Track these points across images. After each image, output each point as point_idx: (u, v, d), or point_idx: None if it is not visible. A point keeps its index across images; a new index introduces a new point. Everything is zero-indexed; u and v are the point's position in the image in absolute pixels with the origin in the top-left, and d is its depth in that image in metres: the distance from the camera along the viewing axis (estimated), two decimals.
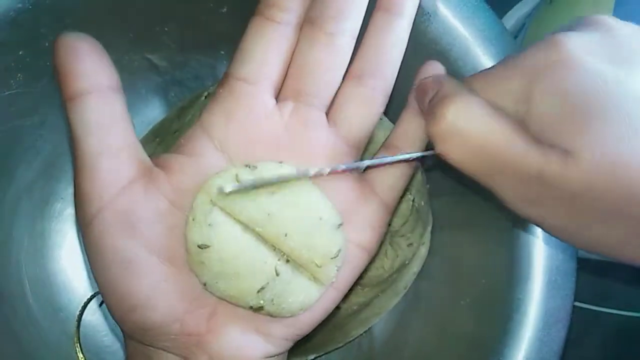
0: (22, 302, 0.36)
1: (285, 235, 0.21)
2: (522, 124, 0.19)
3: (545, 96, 0.18)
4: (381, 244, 0.33)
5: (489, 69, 0.21)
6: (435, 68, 0.24)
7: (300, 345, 0.36)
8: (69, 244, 0.38)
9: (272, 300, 0.21)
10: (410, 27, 0.23)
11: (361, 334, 0.39)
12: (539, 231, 0.32)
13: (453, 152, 0.20)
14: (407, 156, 0.23)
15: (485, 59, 0.33)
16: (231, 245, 0.21)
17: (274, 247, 0.21)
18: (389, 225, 0.34)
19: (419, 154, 0.23)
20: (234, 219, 0.21)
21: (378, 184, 0.23)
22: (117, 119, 0.20)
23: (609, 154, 0.17)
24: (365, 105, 0.23)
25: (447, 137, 0.19)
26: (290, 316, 0.22)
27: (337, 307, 0.34)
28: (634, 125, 0.17)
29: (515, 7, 0.49)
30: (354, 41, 0.22)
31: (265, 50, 0.21)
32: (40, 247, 0.37)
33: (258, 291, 0.21)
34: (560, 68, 0.18)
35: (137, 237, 0.20)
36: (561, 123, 0.18)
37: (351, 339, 0.39)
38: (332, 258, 0.22)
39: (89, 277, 0.39)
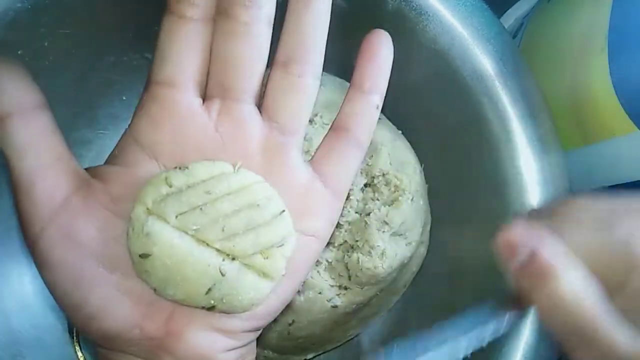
0: (21, 301, 0.36)
1: (223, 229, 0.20)
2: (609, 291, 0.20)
3: None
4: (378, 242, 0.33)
5: (585, 220, 0.21)
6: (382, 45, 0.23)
7: (300, 344, 0.37)
8: None
9: (222, 299, 0.21)
10: (330, 7, 0.22)
11: (360, 333, 0.40)
12: None
13: (551, 319, 0.20)
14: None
15: (483, 59, 0.33)
16: (172, 252, 0.20)
17: (216, 248, 0.21)
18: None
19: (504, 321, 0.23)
20: (171, 224, 0.20)
21: (328, 175, 0.23)
22: (44, 136, 0.20)
23: None
24: (295, 92, 0.22)
25: (551, 310, 0.20)
26: (244, 312, 0.22)
27: (335, 306, 0.34)
28: None
29: (513, 7, 0.49)
30: (271, 27, 0.21)
31: (181, 49, 0.21)
32: None
33: (206, 293, 0.21)
34: None
35: (83, 250, 0.20)
36: None
37: (350, 337, 0.39)
38: (278, 247, 0.21)
39: None
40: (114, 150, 0.22)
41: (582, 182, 0.38)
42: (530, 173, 0.33)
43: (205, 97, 0.22)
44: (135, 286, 0.21)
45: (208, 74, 0.21)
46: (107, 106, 0.38)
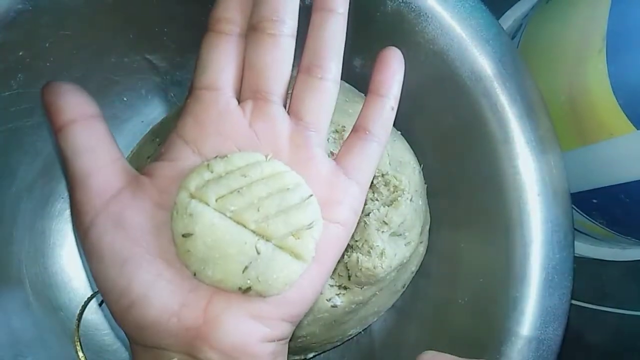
0: (22, 301, 0.36)
1: (258, 209, 0.23)
2: None
3: None
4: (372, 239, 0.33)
5: None
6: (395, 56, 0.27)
7: (300, 344, 0.37)
8: (69, 244, 0.38)
9: (258, 277, 0.22)
10: (346, 20, 0.26)
11: (360, 332, 0.40)
12: (536, 230, 0.33)
13: None
14: None
15: (482, 60, 0.33)
16: (212, 231, 0.22)
17: (252, 229, 0.23)
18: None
19: None
20: (211, 206, 0.22)
21: (350, 167, 0.25)
22: (101, 140, 0.23)
23: None
24: (318, 92, 0.25)
25: None
26: (278, 293, 0.23)
27: (335, 306, 0.35)
28: None
29: (512, 8, 0.49)
30: (294, 39, 0.25)
31: (220, 59, 0.24)
32: (40, 246, 0.37)
33: (243, 271, 0.22)
34: None
35: (131, 237, 0.22)
36: None
37: (350, 337, 0.39)
38: (307, 229, 0.23)
39: (89, 277, 0.39)
40: (160, 148, 0.25)
41: (581, 182, 0.38)
42: (528, 173, 0.33)
43: (240, 99, 0.25)
44: (176, 275, 0.23)
45: (242, 79, 0.25)
46: (108, 107, 0.38)
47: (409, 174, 0.35)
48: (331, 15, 0.25)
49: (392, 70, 0.26)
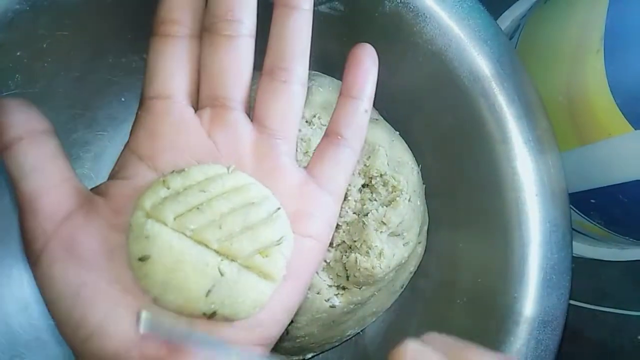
0: (21, 301, 0.36)
1: (220, 227, 0.21)
2: None
3: None
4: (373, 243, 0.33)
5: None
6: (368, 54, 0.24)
7: (298, 344, 0.37)
8: None
9: (223, 301, 0.21)
10: (311, 17, 0.23)
11: (358, 333, 0.40)
12: (534, 231, 0.33)
13: None
14: None
15: (480, 60, 0.33)
16: (170, 253, 0.21)
17: (214, 249, 0.21)
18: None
19: None
20: (169, 226, 0.21)
21: (322, 176, 0.23)
22: (51, 159, 0.21)
23: None
24: (282, 97, 0.23)
25: None
26: (247, 317, 0.21)
27: (333, 306, 0.35)
28: None
29: (510, 8, 0.50)
30: (253, 39, 0.23)
31: (168, 65, 0.22)
32: None
33: (207, 295, 0.20)
34: None
35: (84, 264, 0.20)
36: None
37: (348, 337, 0.39)
38: (276, 245, 0.21)
39: None
40: (114, 167, 0.23)
41: (579, 182, 0.38)
42: (526, 173, 0.33)
43: (196, 107, 0.23)
44: (135, 302, 0.21)
45: (198, 86, 0.23)
46: (106, 107, 0.38)
47: (407, 174, 0.35)
48: (295, 12, 0.23)
49: (365, 69, 0.24)
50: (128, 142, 0.23)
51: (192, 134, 0.22)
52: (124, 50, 0.36)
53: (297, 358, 0.39)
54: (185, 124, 0.22)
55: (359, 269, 0.33)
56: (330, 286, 0.35)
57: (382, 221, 0.34)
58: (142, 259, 0.20)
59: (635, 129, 0.32)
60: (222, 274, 0.21)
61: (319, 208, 0.23)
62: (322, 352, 0.40)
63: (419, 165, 0.37)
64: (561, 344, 0.32)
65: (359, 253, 0.33)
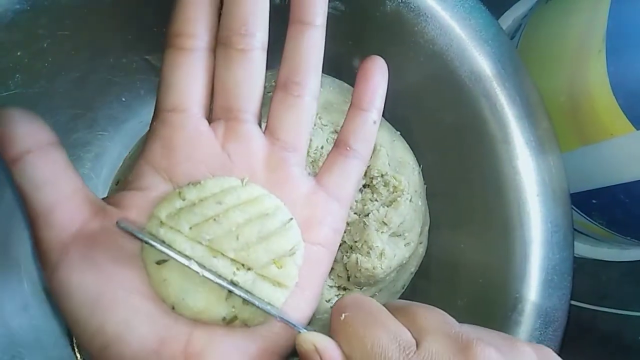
0: (20, 302, 0.36)
1: (237, 237, 0.21)
2: None
3: None
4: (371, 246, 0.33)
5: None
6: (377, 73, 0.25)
7: None
8: None
9: (244, 301, 0.21)
10: (324, 33, 0.24)
11: None
12: (536, 231, 0.33)
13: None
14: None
15: (481, 60, 0.33)
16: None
17: (231, 257, 0.21)
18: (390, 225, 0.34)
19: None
20: (183, 235, 0.21)
21: (330, 185, 0.24)
22: (61, 170, 0.22)
23: None
24: (295, 110, 0.24)
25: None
26: (265, 322, 0.22)
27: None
28: None
29: (511, 8, 0.49)
30: (265, 52, 0.24)
31: (184, 78, 0.23)
32: None
33: (226, 298, 0.21)
34: None
35: (101, 273, 0.21)
36: None
37: None
38: (289, 255, 0.22)
39: None
40: (128, 177, 0.23)
41: (580, 182, 0.38)
42: (528, 173, 0.33)
43: (211, 120, 0.23)
44: (153, 309, 0.21)
45: (212, 98, 0.23)
46: (106, 108, 0.38)
47: (408, 175, 0.35)
48: (309, 28, 0.24)
49: (375, 82, 0.25)
50: (143, 153, 0.23)
51: (207, 147, 0.23)
52: (124, 50, 0.36)
53: (297, 359, 0.39)
54: (200, 137, 0.23)
55: (360, 270, 0.33)
56: (331, 287, 0.35)
57: (383, 221, 0.34)
58: (160, 263, 0.21)
59: (637, 129, 0.32)
60: (235, 284, 0.21)
61: (327, 215, 0.24)
62: None
63: (420, 166, 0.37)
64: (562, 345, 0.32)
65: (359, 253, 0.33)
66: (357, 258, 0.33)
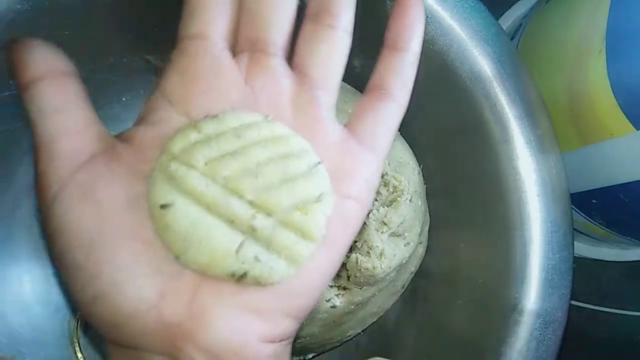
0: (21, 302, 0.36)
1: (257, 177, 0.19)
2: None
3: None
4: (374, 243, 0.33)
5: None
6: None
7: (299, 344, 0.37)
8: None
9: (256, 257, 0.18)
10: None
11: (359, 333, 0.40)
12: (536, 231, 0.33)
13: None
14: None
15: (481, 60, 0.33)
16: (197, 200, 0.18)
17: (249, 200, 0.19)
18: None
19: None
20: (198, 170, 0.19)
21: (363, 133, 0.22)
22: (72, 101, 0.20)
23: None
24: (327, 44, 0.21)
25: None
26: (280, 281, 0.19)
27: (334, 306, 0.35)
28: None
29: (511, 8, 0.50)
30: None
31: (209, 3, 0.21)
32: (39, 247, 0.37)
33: (236, 251, 0.18)
34: None
35: (101, 213, 0.18)
36: None
37: (349, 337, 0.39)
38: (316, 203, 0.19)
39: None
40: (141, 112, 0.21)
41: (580, 182, 0.38)
42: (528, 173, 0.33)
43: (234, 52, 0.21)
44: (155, 258, 0.19)
45: (237, 29, 0.21)
46: (106, 107, 0.38)
47: (408, 175, 0.35)
48: None
49: (411, 18, 0.22)
50: (159, 85, 0.21)
51: (228, 79, 0.21)
52: (124, 50, 0.36)
53: (297, 358, 0.39)
54: (222, 68, 0.21)
55: (360, 269, 0.33)
56: (331, 286, 0.35)
57: (383, 221, 0.34)
58: (164, 206, 0.18)
59: (637, 129, 0.32)
60: (254, 229, 0.18)
61: (360, 167, 0.21)
62: (323, 352, 0.40)
63: (420, 166, 0.37)
64: (562, 345, 0.32)
65: (359, 253, 0.33)
66: (356, 258, 0.33)
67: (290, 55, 0.22)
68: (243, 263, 0.18)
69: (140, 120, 0.21)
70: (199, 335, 0.18)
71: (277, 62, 0.21)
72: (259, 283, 0.19)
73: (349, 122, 0.22)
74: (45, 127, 0.19)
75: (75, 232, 0.18)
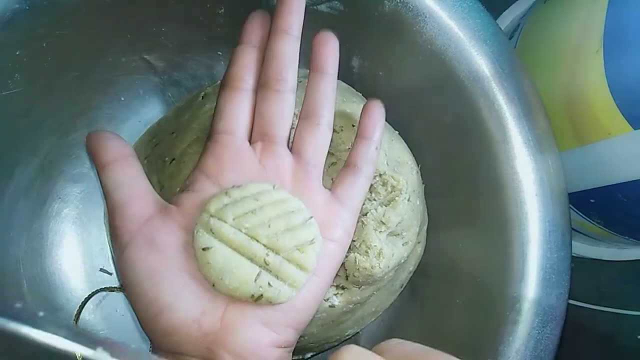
0: (20, 301, 0.36)
1: (269, 226, 0.27)
2: None
3: None
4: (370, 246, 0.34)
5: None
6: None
7: (297, 344, 0.37)
8: (66, 244, 0.38)
9: (269, 283, 0.26)
10: (336, 78, 0.31)
11: (357, 332, 0.40)
12: (534, 230, 0.33)
13: None
14: None
15: (480, 59, 0.33)
16: (228, 245, 0.26)
17: (263, 243, 0.26)
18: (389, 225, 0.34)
19: None
20: (228, 224, 0.26)
21: (342, 197, 0.30)
22: (136, 176, 0.28)
23: None
24: (315, 135, 0.30)
25: None
26: (285, 300, 0.27)
27: (332, 306, 0.35)
28: None
29: (510, 8, 0.50)
30: (294, 93, 0.30)
31: (234, 109, 0.30)
32: (38, 246, 0.37)
33: (255, 279, 0.26)
34: None
35: (160, 254, 0.26)
36: None
37: (348, 337, 0.39)
38: (310, 244, 0.27)
39: (87, 277, 0.39)
40: (186, 182, 0.29)
41: (578, 182, 0.38)
42: (526, 173, 0.33)
43: (251, 141, 0.30)
44: (198, 286, 0.26)
45: (253, 126, 0.30)
46: (105, 107, 0.38)
47: (406, 174, 0.35)
48: (324, 76, 0.30)
49: (375, 118, 0.31)
50: (198, 164, 0.29)
51: (248, 161, 0.29)
52: (123, 50, 0.36)
53: (296, 357, 0.39)
54: (243, 153, 0.29)
55: (358, 269, 0.33)
56: (330, 286, 0.35)
57: (381, 221, 0.34)
58: (205, 249, 0.26)
59: (634, 129, 0.32)
60: (267, 263, 0.26)
61: (340, 220, 0.30)
62: (322, 351, 0.40)
63: (418, 165, 0.37)
64: (560, 344, 0.32)
65: (358, 253, 0.33)
66: (355, 257, 0.33)
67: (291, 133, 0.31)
68: (260, 287, 0.26)
69: (184, 189, 0.29)
70: (228, 342, 0.26)
71: (281, 149, 0.30)
72: (270, 302, 0.26)
73: (333, 187, 0.31)
74: (118, 195, 0.27)
75: (142, 268, 0.26)
